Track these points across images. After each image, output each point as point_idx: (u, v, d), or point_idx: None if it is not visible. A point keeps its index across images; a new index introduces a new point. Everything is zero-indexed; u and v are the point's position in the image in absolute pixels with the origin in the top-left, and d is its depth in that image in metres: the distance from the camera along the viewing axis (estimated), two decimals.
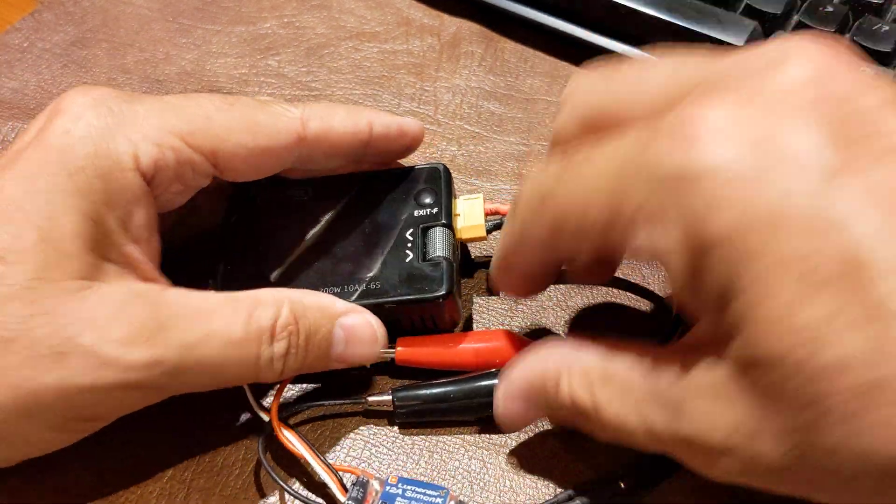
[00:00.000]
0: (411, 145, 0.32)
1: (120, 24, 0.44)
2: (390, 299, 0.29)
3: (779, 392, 0.19)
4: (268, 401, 0.30)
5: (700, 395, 0.21)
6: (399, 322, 0.30)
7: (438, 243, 0.30)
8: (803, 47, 0.21)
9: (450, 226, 0.31)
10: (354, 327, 0.28)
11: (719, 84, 0.21)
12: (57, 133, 0.26)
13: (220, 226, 0.32)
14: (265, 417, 0.28)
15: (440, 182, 0.32)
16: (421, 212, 0.31)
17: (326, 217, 0.31)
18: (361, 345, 0.28)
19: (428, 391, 0.29)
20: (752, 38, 0.37)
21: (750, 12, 0.38)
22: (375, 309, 0.29)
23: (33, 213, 0.25)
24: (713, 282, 0.19)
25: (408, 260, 0.30)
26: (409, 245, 0.30)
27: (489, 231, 0.32)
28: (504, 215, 0.32)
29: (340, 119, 0.30)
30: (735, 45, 0.37)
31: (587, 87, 0.26)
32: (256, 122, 0.28)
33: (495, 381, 0.28)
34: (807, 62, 0.20)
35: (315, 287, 0.29)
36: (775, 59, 0.20)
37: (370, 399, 0.29)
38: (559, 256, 0.26)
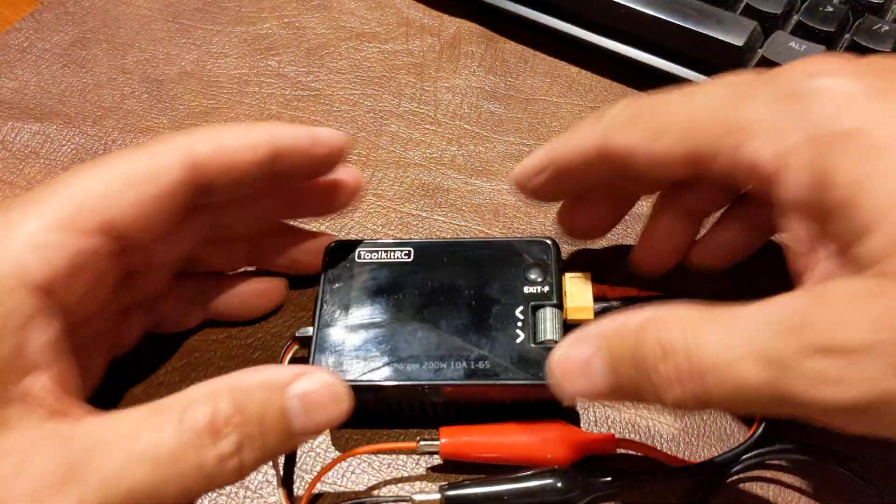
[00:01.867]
0: (329, 158, 0.29)
1: (120, 24, 0.44)
2: (499, 382, 0.28)
3: None
4: (300, 489, 0.29)
5: (832, 303, 0.20)
6: (498, 402, 0.29)
7: (549, 325, 0.29)
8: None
9: (560, 306, 0.30)
10: (310, 393, 0.24)
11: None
12: None
13: (318, 287, 0.31)
14: None
15: (550, 257, 0.31)
16: (531, 289, 0.30)
17: (428, 284, 0.30)
18: (324, 408, 0.24)
19: (481, 489, 0.27)
20: (752, 38, 0.37)
21: (750, 12, 0.38)
22: (480, 389, 0.28)
23: None
24: (842, 177, 0.21)
25: (518, 341, 0.28)
26: (520, 324, 0.29)
27: (597, 314, 0.30)
28: (612, 298, 0.31)
29: (231, 136, 0.27)
30: (735, 45, 0.37)
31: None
32: (135, 169, 0.26)
33: (552, 480, 0.27)
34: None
35: (417, 360, 0.28)
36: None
37: (416, 499, 0.27)
38: (632, 176, 0.27)
